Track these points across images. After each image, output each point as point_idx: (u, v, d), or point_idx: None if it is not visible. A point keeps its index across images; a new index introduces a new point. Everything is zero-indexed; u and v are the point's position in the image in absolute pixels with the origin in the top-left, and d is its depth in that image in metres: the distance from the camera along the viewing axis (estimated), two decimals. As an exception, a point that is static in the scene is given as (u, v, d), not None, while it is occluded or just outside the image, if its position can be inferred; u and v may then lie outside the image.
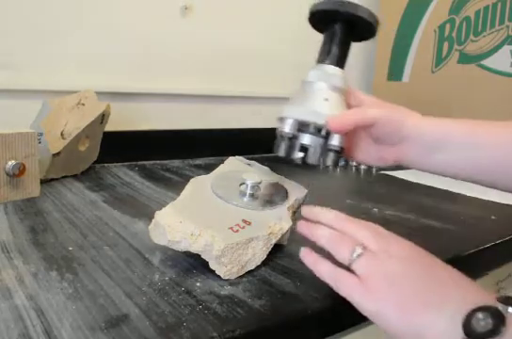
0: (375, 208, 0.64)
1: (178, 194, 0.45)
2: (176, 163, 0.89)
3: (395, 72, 1.13)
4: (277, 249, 0.43)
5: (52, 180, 0.67)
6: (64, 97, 0.72)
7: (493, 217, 0.64)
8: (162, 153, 0.90)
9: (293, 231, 0.45)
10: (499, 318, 0.26)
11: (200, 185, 0.46)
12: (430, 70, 1.05)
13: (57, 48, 0.78)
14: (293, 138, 0.44)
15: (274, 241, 0.41)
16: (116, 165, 0.82)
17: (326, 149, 0.44)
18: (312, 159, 0.44)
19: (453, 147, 0.42)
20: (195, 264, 0.40)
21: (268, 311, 0.33)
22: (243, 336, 0.31)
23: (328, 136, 0.43)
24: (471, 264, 0.52)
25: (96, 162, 0.77)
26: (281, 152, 0.44)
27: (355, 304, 0.32)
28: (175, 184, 0.71)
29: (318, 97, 0.43)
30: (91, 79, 0.81)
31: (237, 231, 0.39)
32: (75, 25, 0.79)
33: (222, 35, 0.92)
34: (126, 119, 0.87)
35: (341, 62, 0.45)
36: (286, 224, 0.43)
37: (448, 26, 1.01)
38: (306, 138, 0.44)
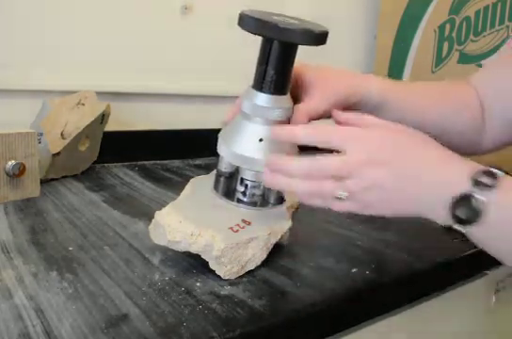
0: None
1: (178, 194, 0.45)
2: (176, 163, 0.89)
3: (395, 72, 1.13)
4: (277, 249, 0.43)
5: (52, 180, 0.67)
6: (64, 97, 0.72)
7: (493, 217, 0.63)
8: (162, 153, 0.90)
9: (293, 231, 0.45)
10: (479, 204, 0.30)
11: (199, 185, 0.46)
12: (430, 70, 1.05)
13: (58, 48, 0.78)
14: (232, 174, 0.43)
15: (274, 241, 0.41)
16: (116, 165, 0.82)
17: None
18: (252, 197, 0.43)
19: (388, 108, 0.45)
20: (195, 264, 0.40)
21: (268, 311, 0.33)
22: (243, 336, 0.31)
23: None
24: (471, 264, 0.52)
25: (96, 162, 0.77)
26: (220, 189, 0.43)
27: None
28: (175, 184, 0.71)
29: (252, 137, 0.40)
30: (91, 79, 0.81)
31: (237, 231, 0.39)
32: (75, 26, 0.79)
33: (222, 35, 0.92)
34: (126, 119, 0.87)
35: (280, 87, 0.39)
36: (286, 224, 0.43)
37: (448, 26, 1.01)
38: (247, 173, 0.42)
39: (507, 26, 0.91)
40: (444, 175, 0.33)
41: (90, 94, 0.73)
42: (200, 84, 0.95)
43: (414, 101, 0.47)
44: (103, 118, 0.72)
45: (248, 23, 0.36)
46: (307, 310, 0.35)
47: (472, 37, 0.97)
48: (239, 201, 0.44)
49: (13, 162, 0.54)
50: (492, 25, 0.93)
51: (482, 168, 0.32)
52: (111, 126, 0.77)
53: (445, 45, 1.02)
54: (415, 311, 0.48)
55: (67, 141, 0.67)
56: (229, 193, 0.44)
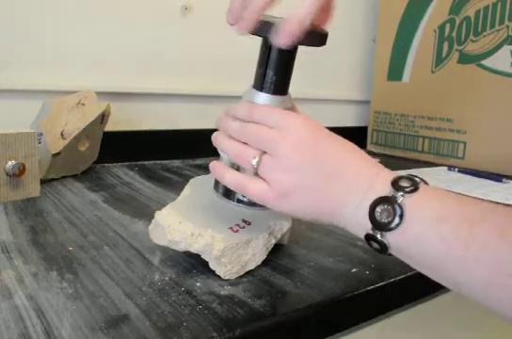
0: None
1: (178, 194, 0.45)
2: (176, 163, 0.89)
3: (395, 72, 1.13)
4: (277, 249, 0.43)
5: (52, 180, 0.67)
6: (64, 97, 0.72)
7: (493, 218, 0.63)
8: (162, 153, 0.90)
9: (293, 231, 0.45)
10: (398, 207, 0.29)
11: (199, 186, 0.46)
12: (430, 70, 1.05)
13: (58, 48, 0.78)
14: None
15: (274, 241, 0.41)
16: (116, 165, 0.82)
17: None
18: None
19: None
20: (195, 264, 0.40)
21: (268, 311, 0.33)
22: (243, 336, 0.31)
23: None
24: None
25: (96, 162, 0.77)
26: (220, 189, 0.43)
27: (269, 207, 0.35)
28: (175, 184, 0.71)
29: None
30: (91, 79, 0.81)
31: (237, 231, 0.39)
32: (75, 26, 0.79)
33: (222, 35, 0.92)
34: (126, 119, 0.87)
35: (281, 87, 0.39)
36: (286, 224, 0.43)
37: (448, 26, 1.01)
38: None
39: (507, 26, 0.91)
40: (366, 177, 0.32)
41: (90, 94, 0.73)
42: (200, 84, 0.95)
43: None
44: (103, 118, 0.72)
45: None
46: (307, 310, 0.35)
47: (472, 37, 0.97)
48: (239, 201, 0.44)
49: (13, 162, 0.54)
50: (492, 25, 0.93)
51: (402, 174, 0.32)
52: (111, 126, 0.77)
53: (445, 45, 1.02)
54: (415, 311, 0.48)
55: (67, 141, 0.67)
56: (229, 193, 0.44)
